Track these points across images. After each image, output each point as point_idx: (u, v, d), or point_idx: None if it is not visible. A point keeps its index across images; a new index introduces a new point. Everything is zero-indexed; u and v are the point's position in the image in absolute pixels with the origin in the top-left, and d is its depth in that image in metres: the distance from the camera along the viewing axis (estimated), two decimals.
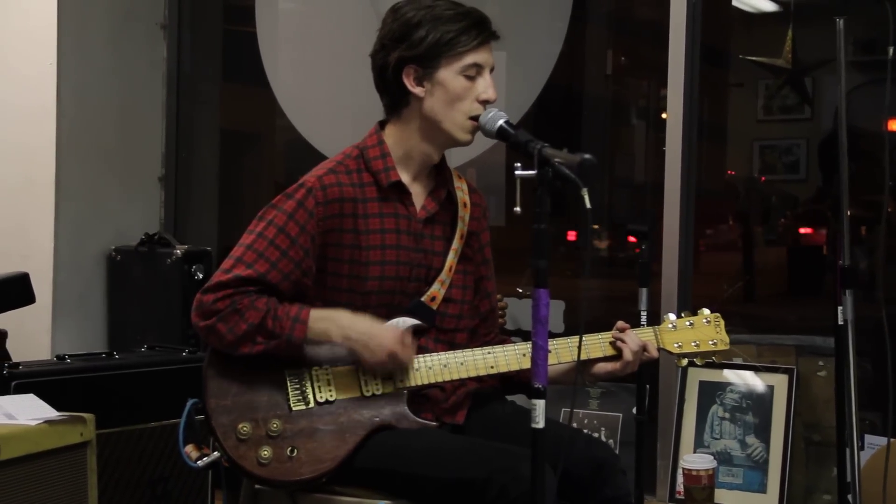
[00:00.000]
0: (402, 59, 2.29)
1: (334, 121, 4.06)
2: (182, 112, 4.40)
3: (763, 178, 4.59)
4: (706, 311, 2.43)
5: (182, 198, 4.42)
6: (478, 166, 4.07)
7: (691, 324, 2.40)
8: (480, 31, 2.30)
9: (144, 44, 4.30)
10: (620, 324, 2.37)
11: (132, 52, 4.25)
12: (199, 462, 2.27)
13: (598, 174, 1.96)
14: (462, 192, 2.45)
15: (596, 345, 2.33)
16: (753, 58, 3.84)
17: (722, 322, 2.42)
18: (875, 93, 2.83)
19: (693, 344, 2.39)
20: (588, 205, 1.91)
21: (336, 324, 2.24)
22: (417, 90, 2.30)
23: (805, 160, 4.36)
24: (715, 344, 2.40)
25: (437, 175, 2.42)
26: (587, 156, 1.94)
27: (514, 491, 2.06)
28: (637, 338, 2.33)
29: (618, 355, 2.33)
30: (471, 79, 2.29)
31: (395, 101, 2.34)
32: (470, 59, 2.29)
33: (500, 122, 2.25)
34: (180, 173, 4.41)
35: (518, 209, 2.04)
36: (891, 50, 2.68)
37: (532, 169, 1.98)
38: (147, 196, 4.33)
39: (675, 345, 2.39)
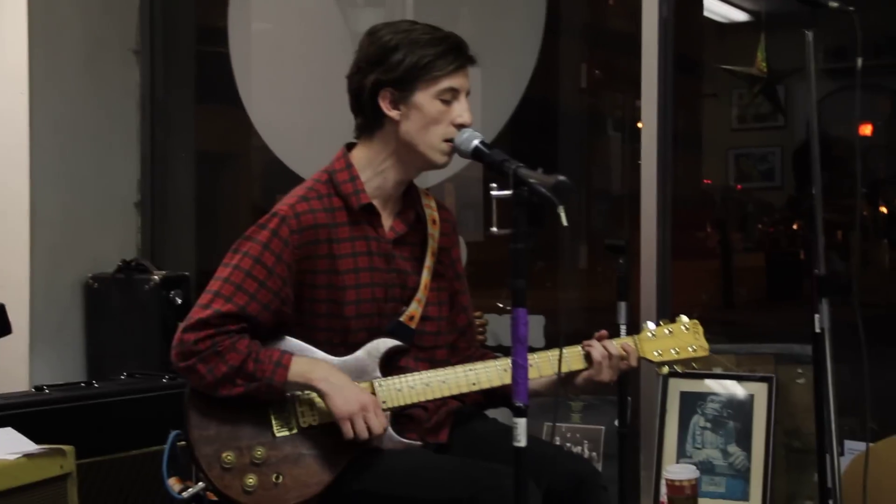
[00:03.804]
0: (378, 81, 2.30)
1: (309, 141, 4.06)
2: (157, 137, 4.40)
3: (739, 187, 4.62)
4: (684, 318, 2.44)
5: (159, 223, 4.41)
6: (456, 182, 4.08)
7: (670, 332, 2.42)
8: (457, 55, 2.32)
9: (117, 70, 4.30)
10: (600, 333, 2.38)
11: (105, 79, 4.25)
12: (182, 494, 2.26)
13: (574, 194, 1.97)
14: (430, 209, 2.45)
15: (575, 356, 2.34)
16: (727, 66, 3.87)
17: (700, 328, 2.44)
18: (846, 99, 2.85)
19: (673, 351, 2.41)
20: (565, 223, 1.92)
21: (317, 369, 2.25)
22: (393, 113, 2.31)
23: (780, 168, 4.39)
24: (694, 350, 2.42)
25: (405, 196, 2.42)
26: (561, 177, 1.95)
27: None
28: (610, 345, 2.34)
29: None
30: (447, 103, 2.31)
31: (369, 122, 2.35)
32: (446, 83, 2.30)
33: (475, 142, 2.26)
34: (156, 198, 4.40)
35: (495, 229, 2.06)
36: (859, 60, 2.70)
37: (508, 188, 1.99)
38: (123, 222, 4.32)
39: (655, 353, 2.40)
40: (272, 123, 4.24)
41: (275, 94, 4.26)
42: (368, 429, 2.22)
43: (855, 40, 2.69)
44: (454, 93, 2.31)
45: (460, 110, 2.31)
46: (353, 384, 2.26)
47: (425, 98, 2.29)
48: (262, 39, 4.39)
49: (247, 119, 4.27)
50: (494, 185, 2.02)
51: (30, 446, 2.54)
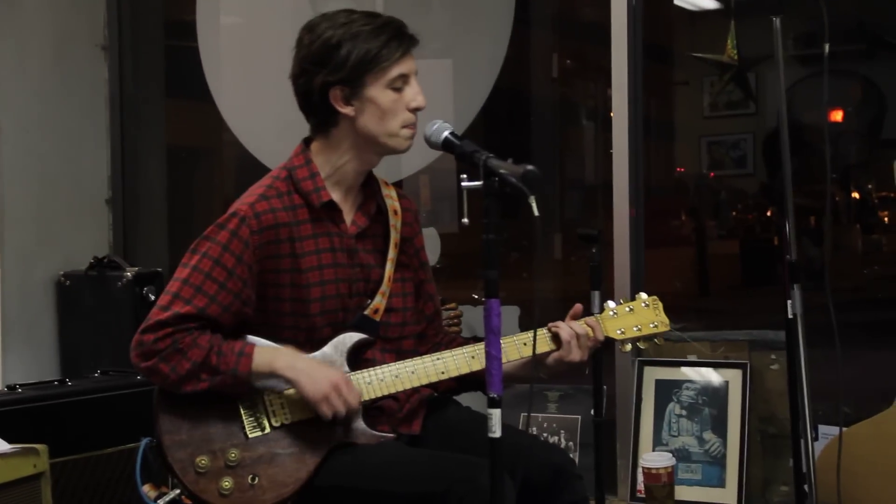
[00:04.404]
0: (326, 82, 2.26)
1: (280, 135, 4.03)
2: (126, 132, 4.36)
3: (712, 174, 4.64)
4: (643, 295, 2.46)
5: (130, 219, 4.38)
6: (430, 174, 4.08)
7: (631, 309, 2.43)
8: (401, 40, 2.29)
9: (85, 66, 4.26)
10: (576, 308, 2.38)
11: (73, 75, 4.21)
12: (158, 501, 2.25)
13: (543, 183, 1.97)
14: (391, 199, 2.43)
15: (542, 338, 2.34)
16: (697, 54, 3.88)
17: (660, 304, 2.46)
18: (817, 86, 2.86)
19: (635, 329, 2.42)
20: (536, 212, 1.92)
21: (280, 356, 2.23)
22: (347, 110, 2.28)
23: (752, 155, 4.42)
24: (656, 326, 2.43)
25: (366, 187, 2.41)
26: (530, 167, 1.95)
27: (473, 501, 2.06)
28: (575, 324, 2.34)
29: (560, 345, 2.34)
30: (398, 90, 2.29)
31: (323, 121, 2.32)
32: (395, 71, 2.28)
33: (445, 133, 2.24)
34: (128, 195, 4.37)
35: (465, 220, 2.05)
36: (826, 46, 2.72)
37: (478, 179, 1.99)
38: (95, 219, 4.28)
39: (618, 331, 2.41)
40: (243, 118, 4.22)
41: (245, 89, 4.24)
42: (345, 403, 2.21)
43: (823, 27, 2.71)
44: (404, 79, 2.29)
45: (413, 94, 2.30)
46: (318, 364, 2.24)
47: (377, 90, 2.27)
48: (231, 33, 4.36)
49: (218, 114, 4.25)
50: (464, 175, 2.02)
51: (2, 446, 2.52)
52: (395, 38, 2.28)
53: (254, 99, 4.17)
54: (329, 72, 2.25)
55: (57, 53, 4.15)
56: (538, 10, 4.28)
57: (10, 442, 2.57)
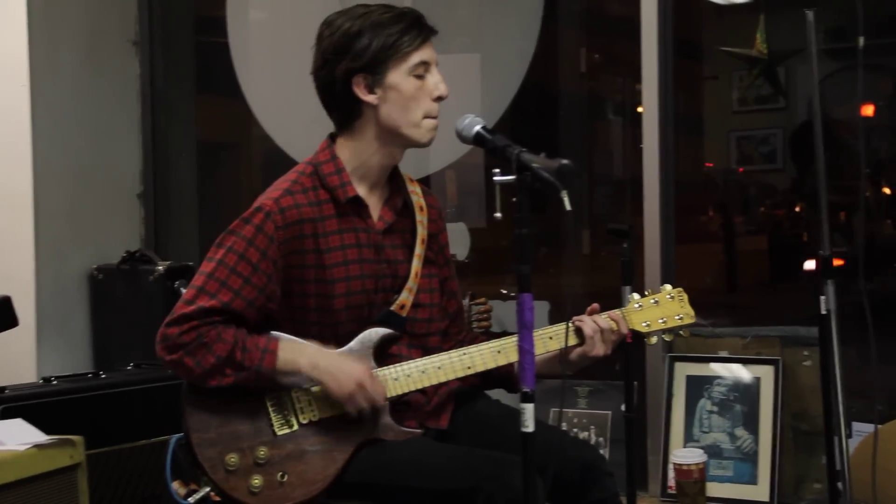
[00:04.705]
0: (349, 70, 2.27)
1: (309, 129, 4.05)
2: (158, 127, 4.39)
3: (741, 169, 4.62)
4: (668, 287, 2.44)
5: (161, 214, 4.40)
6: (457, 169, 4.08)
7: (656, 301, 2.41)
8: (420, 29, 2.30)
9: (117, 61, 4.28)
10: (592, 307, 2.37)
11: (105, 71, 4.23)
12: (189, 499, 2.26)
13: (577, 178, 1.97)
14: (416, 195, 2.43)
15: (565, 334, 2.32)
16: (727, 48, 3.86)
17: (686, 296, 2.43)
18: (848, 80, 2.85)
19: (660, 321, 2.40)
20: (568, 207, 1.92)
21: (304, 354, 2.23)
22: (370, 98, 2.28)
23: (782, 149, 4.39)
24: (681, 318, 2.41)
25: (391, 183, 2.41)
26: (565, 161, 1.94)
27: (501, 498, 2.06)
28: (599, 319, 2.33)
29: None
30: (420, 77, 2.29)
31: (347, 114, 2.32)
32: (416, 57, 2.28)
33: (477, 127, 2.23)
34: (159, 189, 4.39)
35: (499, 214, 2.05)
36: (860, 40, 2.69)
37: (510, 174, 1.99)
38: (126, 214, 4.31)
39: (644, 324, 2.40)
40: (273, 113, 4.24)
41: (275, 84, 4.26)
42: (370, 400, 2.21)
43: (855, 20, 2.69)
44: (426, 66, 2.29)
45: (435, 83, 2.30)
46: (343, 361, 2.24)
47: (399, 77, 2.27)
48: (260, 29, 4.38)
49: (247, 109, 4.27)
50: (497, 170, 2.02)
51: (40, 437, 2.56)
52: (413, 25, 2.29)
53: (283, 94, 4.19)
54: (351, 59, 2.26)
55: (89, 49, 4.17)
56: (566, 4, 4.26)
57: (46, 433, 2.61)
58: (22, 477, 2.43)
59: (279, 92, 4.22)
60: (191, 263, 4.02)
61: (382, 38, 2.26)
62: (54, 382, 3.12)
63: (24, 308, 3.66)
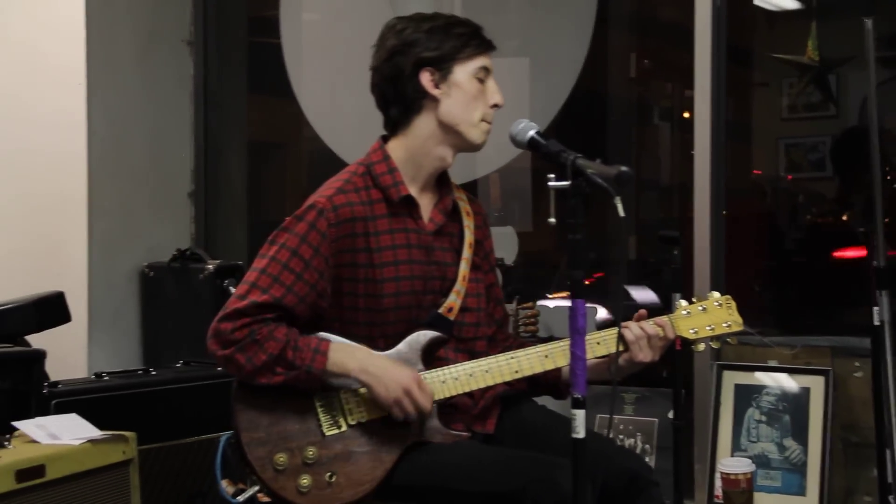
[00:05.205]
0: (419, 62, 2.32)
1: (359, 130, 4.07)
2: (209, 127, 4.42)
3: (790, 177, 4.57)
4: (716, 294, 2.43)
5: (212, 212, 4.44)
6: (502, 171, 4.07)
7: (704, 308, 2.41)
8: (482, 38, 2.38)
9: (171, 61, 4.33)
10: (640, 313, 2.37)
11: (159, 70, 4.28)
12: (238, 498, 2.28)
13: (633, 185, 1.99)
14: (462, 201, 2.46)
15: (611, 339, 2.33)
16: (778, 55, 3.83)
17: (734, 304, 2.43)
18: None
19: (708, 328, 2.40)
20: (622, 213, 1.92)
21: (355, 357, 2.25)
22: (435, 92, 2.32)
23: (831, 158, 4.35)
24: (729, 326, 2.41)
25: (441, 186, 2.43)
26: (624, 168, 1.94)
27: (548, 501, 2.06)
28: (646, 325, 2.33)
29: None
30: (481, 81, 2.35)
31: (407, 107, 2.35)
32: (480, 61, 2.35)
33: (531, 132, 2.26)
34: (209, 188, 4.43)
35: (553, 220, 2.06)
36: None
37: (565, 179, 1.99)
38: (177, 212, 4.35)
39: (691, 331, 2.39)
40: (323, 113, 4.26)
41: (326, 85, 4.28)
42: (417, 407, 2.22)
43: None
44: (486, 72, 2.36)
45: (493, 90, 2.37)
46: (392, 366, 2.25)
47: (464, 76, 2.33)
48: (313, 30, 4.41)
49: (298, 108, 4.29)
50: (552, 175, 2.02)
51: (94, 432, 2.58)
52: (477, 35, 2.37)
53: (334, 95, 4.21)
54: (421, 52, 2.31)
55: (144, 49, 4.22)
56: (616, 8, 4.25)
57: (98, 427, 2.64)
58: (76, 471, 2.46)
59: (330, 93, 4.24)
60: (240, 262, 4.05)
61: (452, 38, 2.33)
62: (106, 378, 3.15)
63: (77, 304, 3.70)
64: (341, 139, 4.15)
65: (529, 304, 3.53)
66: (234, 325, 2.21)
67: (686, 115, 3.58)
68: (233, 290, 3.88)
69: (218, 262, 3.99)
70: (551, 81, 3.91)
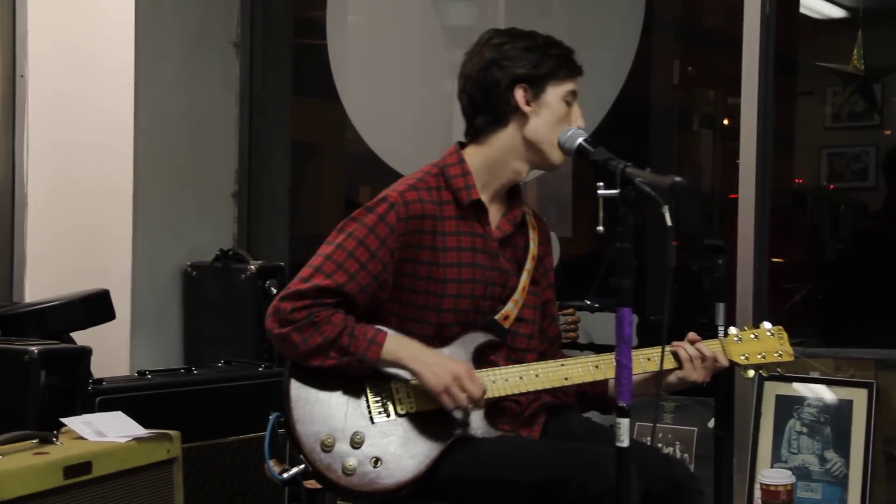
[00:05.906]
0: (516, 77, 2.35)
1: (402, 133, 4.09)
2: (254, 128, 4.45)
3: (832, 186, 4.54)
4: (768, 325, 2.46)
5: (254, 213, 4.46)
6: (541, 176, 4.07)
7: (755, 336, 2.44)
8: (574, 63, 2.42)
9: (218, 62, 4.36)
10: (691, 335, 2.39)
11: (206, 71, 4.31)
12: (283, 475, 2.31)
13: (689, 196, 2.00)
14: (528, 215, 2.50)
15: (665, 356, 2.35)
16: (823, 63, 3.80)
17: (785, 335, 2.46)
18: None
19: (759, 356, 2.43)
20: (669, 222, 1.92)
21: (408, 347, 2.28)
22: (526, 109, 2.36)
23: (874, 167, 4.31)
24: (780, 355, 2.44)
25: (511, 199, 2.45)
26: (678, 178, 1.95)
27: (594, 488, 2.08)
28: (703, 347, 2.37)
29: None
30: (568, 105, 2.39)
31: (494, 119, 2.38)
32: (570, 85, 2.40)
33: (580, 140, 2.31)
34: (252, 189, 4.45)
35: (601, 228, 2.07)
36: None
37: (615, 188, 2.00)
38: (221, 212, 4.38)
39: (742, 357, 2.43)
40: (368, 117, 4.27)
41: (370, 87, 4.30)
42: (468, 396, 2.23)
43: None
44: (574, 96, 2.41)
45: (577, 115, 2.41)
46: (443, 357, 2.28)
47: (555, 97, 2.37)
48: (358, 32, 4.42)
49: (341, 111, 4.31)
50: (601, 184, 2.03)
51: (139, 430, 2.61)
52: (570, 58, 2.42)
53: (379, 98, 4.22)
54: (520, 68, 2.35)
55: (192, 50, 4.26)
56: (660, 15, 4.23)
57: (140, 424, 2.66)
58: (121, 469, 2.49)
59: (375, 96, 4.26)
60: (282, 263, 4.07)
61: (550, 58, 2.37)
62: (149, 376, 3.19)
63: (121, 302, 3.73)
64: (385, 142, 4.16)
65: (570, 311, 3.53)
66: (294, 305, 2.24)
67: (726, 122, 3.56)
68: (274, 290, 3.91)
69: (260, 262, 4.01)
70: (596, 88, 3.89)
